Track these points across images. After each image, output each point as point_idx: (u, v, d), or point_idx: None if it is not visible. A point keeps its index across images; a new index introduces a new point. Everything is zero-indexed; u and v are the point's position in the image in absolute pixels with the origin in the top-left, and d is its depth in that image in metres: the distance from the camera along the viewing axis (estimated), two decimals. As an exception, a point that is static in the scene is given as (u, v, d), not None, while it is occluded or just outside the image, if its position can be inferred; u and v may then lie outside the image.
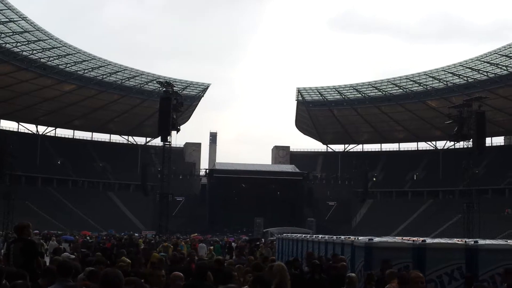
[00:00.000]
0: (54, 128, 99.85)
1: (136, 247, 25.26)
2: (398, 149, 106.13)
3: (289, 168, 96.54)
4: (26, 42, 76.87)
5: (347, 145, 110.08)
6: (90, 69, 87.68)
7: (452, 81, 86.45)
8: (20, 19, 70.86)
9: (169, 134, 63.73)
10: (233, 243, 39.19)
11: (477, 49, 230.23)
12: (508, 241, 14.93)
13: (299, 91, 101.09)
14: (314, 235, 23.42)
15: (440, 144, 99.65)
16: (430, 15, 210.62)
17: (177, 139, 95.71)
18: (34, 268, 8.71)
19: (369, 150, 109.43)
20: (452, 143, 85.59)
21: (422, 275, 7.91)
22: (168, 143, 64.11)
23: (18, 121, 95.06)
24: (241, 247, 31.93)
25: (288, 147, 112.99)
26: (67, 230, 61.34)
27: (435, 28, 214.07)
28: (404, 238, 14.44)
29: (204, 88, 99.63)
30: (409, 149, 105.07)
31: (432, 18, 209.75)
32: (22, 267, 8.29)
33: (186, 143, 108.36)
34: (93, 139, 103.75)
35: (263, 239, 46.04)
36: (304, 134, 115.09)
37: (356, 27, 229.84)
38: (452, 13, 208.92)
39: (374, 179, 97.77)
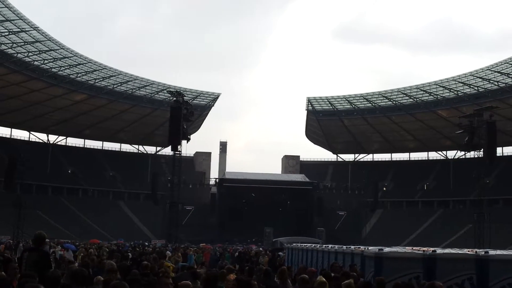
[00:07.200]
0: (65, 137, 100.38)
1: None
2: (408, 159, 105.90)
3: (299, 177, 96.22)
4: (38, 52, 77.46)
5: (357, 154, 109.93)
6: (101, 79, 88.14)
7: (462, 91, 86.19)
8: (32, 29, 71.43)
9: (180, 144, 63.98)
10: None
11: (482, 60, 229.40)
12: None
13: (309, 101, 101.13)
14: (324, 245, 23.36)
15: (451, 154, 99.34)
16: (434, 25, 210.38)
17: (187, 148, 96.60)
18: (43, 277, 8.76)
19: (379, 159, 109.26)
20: (462, 152, 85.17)
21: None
22: (178, 152, 64.33)
23: (29, 130, 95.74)
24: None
25: (298, 156, 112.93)
26: (77, 239, 61.37)
27: (439, 38, 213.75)
28: (414, 248, 14.37)
29: (214, 98, 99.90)
30: (420, 158, 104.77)
31: (436, 28, 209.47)
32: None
33: (196, 152, 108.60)
34: (103, 148, 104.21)
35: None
36: (314, 143, 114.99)
37: (362, 37, 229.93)
38: (456, 23, 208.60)
39: (385, 188, 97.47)
